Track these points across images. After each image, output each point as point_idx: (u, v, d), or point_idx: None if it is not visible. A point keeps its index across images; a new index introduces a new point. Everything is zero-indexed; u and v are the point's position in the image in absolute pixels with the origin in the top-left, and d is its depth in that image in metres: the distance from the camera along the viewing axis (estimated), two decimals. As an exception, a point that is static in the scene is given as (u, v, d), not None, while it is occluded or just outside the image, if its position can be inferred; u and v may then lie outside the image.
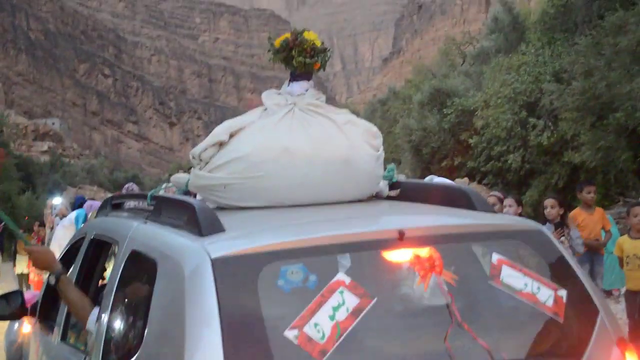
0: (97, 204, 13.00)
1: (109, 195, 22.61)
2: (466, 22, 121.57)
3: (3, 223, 20.60)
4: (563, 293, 3.00)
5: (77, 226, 12.90)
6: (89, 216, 12.81)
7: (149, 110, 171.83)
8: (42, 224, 16.48)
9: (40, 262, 4.14)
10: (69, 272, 4.90)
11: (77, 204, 14.29)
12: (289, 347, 2.55)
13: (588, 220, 9.27)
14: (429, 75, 41.76)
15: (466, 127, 26.58)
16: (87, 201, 13.57)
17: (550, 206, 8.55)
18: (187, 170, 6.36)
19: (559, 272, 3.14)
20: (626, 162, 17.57)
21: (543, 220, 8.47)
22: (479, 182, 24.80)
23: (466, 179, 24.30)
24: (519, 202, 9.15)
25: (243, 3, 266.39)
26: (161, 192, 4.64)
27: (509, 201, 8.93)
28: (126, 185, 12.29)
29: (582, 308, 3.05)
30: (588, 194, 9.47)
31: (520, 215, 8.82)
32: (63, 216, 13.44)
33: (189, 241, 2.99)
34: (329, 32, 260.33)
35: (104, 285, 4.48)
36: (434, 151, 28.25)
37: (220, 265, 2.70)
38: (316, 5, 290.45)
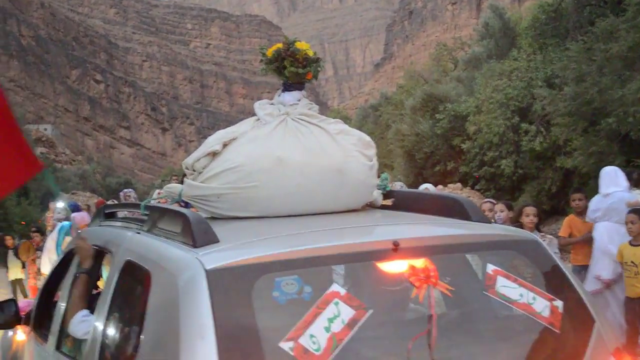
0: (84, 214, 13.04)
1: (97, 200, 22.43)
2: (457, 28, 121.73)
3: None
4: (559, 303, 3.00)
5: (59, 237, 12.94)
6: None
7: (141, 115, 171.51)
8: (38, 230, 16.41)
9: (83, 252, 4.30)
10: (62, 280, 4.90)
11: (72, 210, 14.28)
12: (284, 358, 2.53)
13: (581, 227, 9.28)
14: (420, 81, 41.82)
15: (459, 132, 26.59)
16: (73, 213, 13.59)
17: (533, 215, 8.50)
18: (182, 176, 6.37)
19: (555, 282, 3.14)
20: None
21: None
22: (472, 188, 24.84)
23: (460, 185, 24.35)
24: (510, 207, 9.18)
25: (234, 9, 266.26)
26: (153, 202, 4.62)
27: (499, 206, 8.95)
28: (123, 191, 12.31)
29: (578, 318, 3.04)
30: (573, 201, 9.50)
31: (510, 219, 8.83)
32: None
33: (182, 252, 2.98)
34: (320, 37, 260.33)
35: (97, 294, 4.46)
36: (426, 156, 28.25)
37: (215, 277, 2.68)
38: (307, 11, 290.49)
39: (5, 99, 4.60)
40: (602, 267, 8.52)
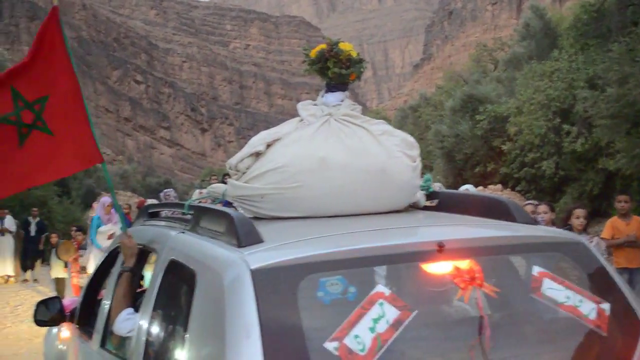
0: (106, 199, 13.46)
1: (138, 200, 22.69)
2: (497, 28, 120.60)
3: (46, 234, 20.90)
4: (606, 306, 2.97)
5: (92, 232, 13.32)
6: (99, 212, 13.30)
7: (181, 116, 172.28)
8: (79, 229, 16.68)
9: (127, 250, 4.31)
10: (107, 278, 4.96)
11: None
12: (329, 358, 2.54)
13: (624, 229, 9.20)
14: (460, 82, 41.58)
15: (499, 133, 26.41)
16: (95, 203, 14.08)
17: (583, 217, 8.42)
18: (222, 176, 6.42)
19: (601, 285, 3.10)
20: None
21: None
22: (512, 189, 24.66)
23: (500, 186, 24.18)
24: (553, 209, 9.12)
25: (273, 10, 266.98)
26: (195, 202, 4.65)
27: (542, 208, 8.89)
28: (164, 191, 12.53)
29: (625, 321, 3.00)
30: (619, 202, 9.42)
31: (553, 221, 8.77)
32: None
33: (227, 252, 3.00)
34: (360, 38, 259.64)
35: (141, 292, 4.51)
36: (466, 157, 28.10)
37: (260, 276, 2.70)
38: (346, 12, 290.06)
39: (79, 86, 4.74)
40: None
